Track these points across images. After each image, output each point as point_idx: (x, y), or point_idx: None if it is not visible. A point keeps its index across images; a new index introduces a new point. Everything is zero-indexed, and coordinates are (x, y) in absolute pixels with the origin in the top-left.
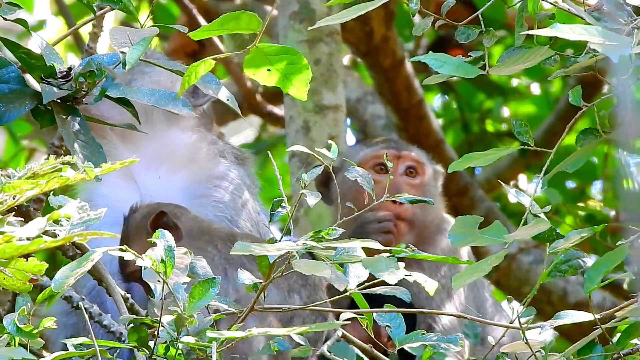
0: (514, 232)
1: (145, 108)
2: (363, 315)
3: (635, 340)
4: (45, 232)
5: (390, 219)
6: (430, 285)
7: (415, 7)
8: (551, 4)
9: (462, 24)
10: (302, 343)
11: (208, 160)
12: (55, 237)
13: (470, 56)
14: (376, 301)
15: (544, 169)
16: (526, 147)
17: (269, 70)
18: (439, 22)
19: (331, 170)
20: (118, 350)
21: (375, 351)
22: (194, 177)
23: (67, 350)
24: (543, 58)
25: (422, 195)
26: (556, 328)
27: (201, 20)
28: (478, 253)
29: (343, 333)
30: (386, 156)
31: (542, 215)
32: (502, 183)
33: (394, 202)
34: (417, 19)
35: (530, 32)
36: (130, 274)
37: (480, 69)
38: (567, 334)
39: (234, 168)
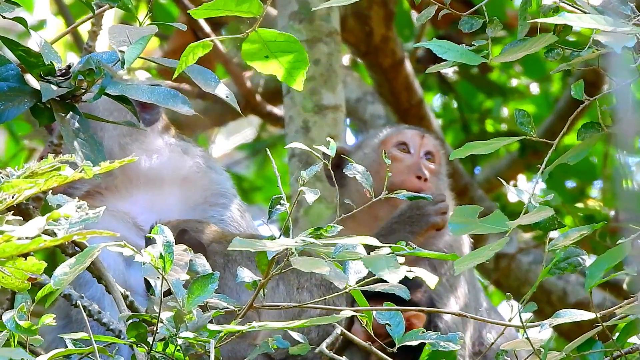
0: (516, 220)
1: (119, 141)
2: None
3: (634, 339)
4: (45, 232)
5: (445, 199)
6: (431, 280)
7: None
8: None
9: (465, 14)
10: (302, 341)
11: (198, 177)
12: (55, 236)
13: (473, 45)
14: (377, 297)
15: (545, 160)
16: (528, 137)
17: (266, 57)
18: (442, 12)
19: (329, 168)
20: (117, 347)
21: (375, 349)
22: (189, 199)
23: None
24: (547, 44)
25: (436, 182)
26: (556, 328)
27: (200, 20)
28: None
29: (342, 331)
30: (384, 153)
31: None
32: (502, 181)
33: (419, 178)
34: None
35: (538, 20)
36: None
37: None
38: (567, 334)
39: (222, 177)
